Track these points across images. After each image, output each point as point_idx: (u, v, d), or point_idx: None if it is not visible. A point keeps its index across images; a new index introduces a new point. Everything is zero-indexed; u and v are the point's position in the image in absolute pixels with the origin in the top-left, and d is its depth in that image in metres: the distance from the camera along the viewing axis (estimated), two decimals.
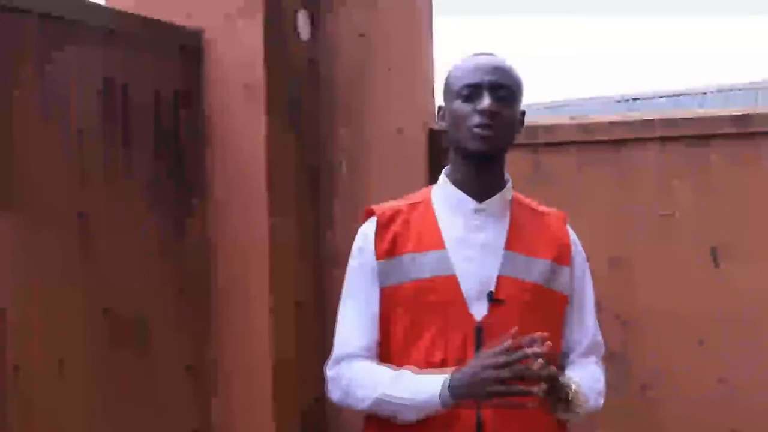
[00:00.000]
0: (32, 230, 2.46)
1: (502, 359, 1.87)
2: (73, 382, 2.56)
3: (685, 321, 2.95)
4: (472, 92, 2.02)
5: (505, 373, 1.86)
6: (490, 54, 2.10)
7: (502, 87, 2.02)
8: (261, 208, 3.02)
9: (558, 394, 1.93)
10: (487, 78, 2.02)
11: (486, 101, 1.99)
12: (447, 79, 2.11)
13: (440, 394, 1.93)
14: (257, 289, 3.03)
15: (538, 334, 1.89)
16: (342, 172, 3.28)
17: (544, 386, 1.87)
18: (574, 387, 1.95)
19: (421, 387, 1.96)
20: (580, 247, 2.16)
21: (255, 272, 3.03)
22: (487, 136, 1.99)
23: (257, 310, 3.02)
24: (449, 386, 1.93)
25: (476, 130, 2.00)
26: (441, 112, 2.13)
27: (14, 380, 2.38)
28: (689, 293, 2.96)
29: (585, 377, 2.05)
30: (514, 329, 1.90)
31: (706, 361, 2.93)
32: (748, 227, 2.92)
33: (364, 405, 2.06)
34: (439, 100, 3.34)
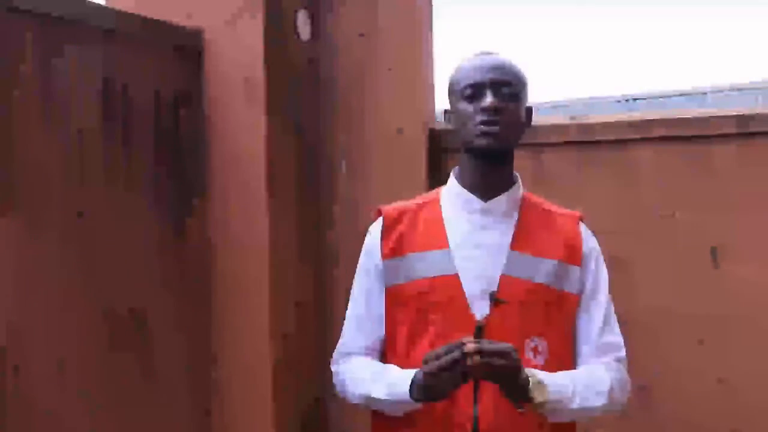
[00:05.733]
0: (32, 230, 2.46)
1: (442, 361, 1.85)
2: (73, 382, 2.56)
3: (685, 321, 2.95)
4: (475, 92, 2.02)
5: (438, 364, 1.84)
6: (492, 53, 2.10)
7: (505, 84, 2.02)
8: (261, 208, 3.02)
9: (509, 378, 1.88)
10: (488, 76, 2.02)
11: (489, 99, 1.99)
12: (450, 80, 2.11)
13: (410, 392, 1.94)
14: (257, 289, 3.03)
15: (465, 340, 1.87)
16: (342, 172, 3.28)
17: (477, 358, 1.82)
18: (533, 379, 1.91)
19: (394, 387, 1.98)
20: (594, 248, 2.13)
21: (255, 272, 3.03)
22: (492, 132, 1.99)
23: (257, 310, 3.02)
24: (412, 388, 1.94)
25: (481, 127, 2.00)
26: (447, 114, 2.13)
27: (14, 380, 2.38)
28: (689, 293, 2.95)
29: (579, 375, 2.03)
30: (466, 339, 1.88)
31: (706, 361, 2.93)
32: (748, 227, 2.92)
33: (356, 401, 2.10)
34: (438, 100, 3.37)
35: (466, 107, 2.03)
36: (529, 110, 2.10)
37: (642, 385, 2.93)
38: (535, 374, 1.93)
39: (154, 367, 2.86)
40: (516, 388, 1.91)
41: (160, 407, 2.87)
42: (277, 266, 3.04)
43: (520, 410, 1.92)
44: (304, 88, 3.23)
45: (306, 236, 3.22)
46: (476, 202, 2.07)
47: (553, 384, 1.95)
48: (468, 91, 2.03)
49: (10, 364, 2.37)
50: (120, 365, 2.73)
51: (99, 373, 2.65)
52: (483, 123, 2.00)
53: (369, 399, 2.05)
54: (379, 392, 2.01)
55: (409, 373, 1.96)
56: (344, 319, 2.18)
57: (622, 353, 2.14)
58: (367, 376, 2.06)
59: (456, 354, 1.84)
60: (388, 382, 2.00)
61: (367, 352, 2.13)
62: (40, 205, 2.49)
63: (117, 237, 2.73)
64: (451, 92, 2.10)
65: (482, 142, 2.01)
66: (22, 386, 2.40)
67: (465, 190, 2.08)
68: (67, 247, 2.57)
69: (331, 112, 3.30)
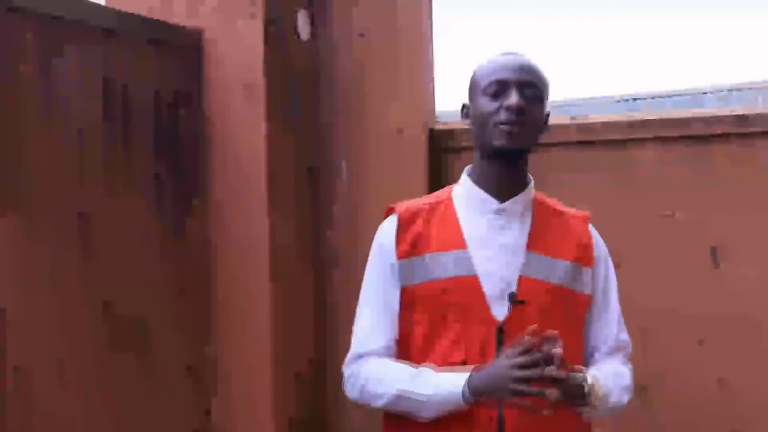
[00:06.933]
0: (32, 230, 2.46)
1: (521, 360, 1.86)
2: (73, 382, 2.56)
3: (685, 321, 2.95)
4: (498, 89, 2.00)
5: (525, 374, 1.85)
6: (518, 53, 2.09)
7: (530, 85, 2.01)
8: (261, 208, 3.02)
9: (573, 392, 1.91)
10: (515, 75, 2.00)
11: (514, 97, 1.97)
12: (473, 76, 2.09)
13: (462, 391, 1.92)
14: (257, 289, 3.03)
15: (551, 333, 1.87)
16: (342, 172, 3.28)
17: (556, 392, 1.85)
18: (590, 380, 1.93)
19: (442, 384, 1.95)
20: (603, 247, 2.14)
21: (255, 272, 3.03)
22: (514, 132, 1.98)
23: (257, 310, 3.02)
24: (470, 383, 1.92)
25: (502, 126, 1.98)
26: (465, 110, 2.11)
27: (14, 380, 2.38)
28: (689, 293, 2.96)
29: (607, 372, 2.05)
30: (532, 327, 1.88)
31: (706, 361, 2.93)
32: (748, 227, 2.92)
33: (381, 401, 2.04)
34: (439, 100, 3.37)
35: (489, 104, 2.00)
36: (547, 115, 2.10)
37: (642, 385, 2.93)
38: (586, 378, 1.94)
39: (154, 367, 2.86)
40: (575, 397, 1.91)
41: (160, 407, 2.87)
42: (277, 266, 3.04)
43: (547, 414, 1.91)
44: (304, 88, 3.23)
45: (306, 236, 3.22)
46: (492, 203, 2.05)
47: (599, 383, 1.96)
48: (492, 87, 2.01)
49: (10, 364, 2.37)
50: (120, 365, 2.73)
51: (99, 373, 2.65)
52: (505, 122, 1.98)
53: (402, 398, 1.99)
54: (422, 390, 1.96)
55: (461, 376, 1.94)
56: (370, 319, 2.10)
57: (630, 349, 2.18)
58: (405, 374, 2.00)
59: (539, 372, 1.84)
60: (433, 382, 1.96)
61: (384, 352, 2.07)
62: (40, 205, 2.49)
63: (117, 237, 2.73)
64: (473, 88, 2.07)
65: (502, 142, 1.99)
66: (22, 386, 2.40)
67: (480, 190, 2.06)
68: (67, 247, 2.57)
69: (331, 112, 3.30)
